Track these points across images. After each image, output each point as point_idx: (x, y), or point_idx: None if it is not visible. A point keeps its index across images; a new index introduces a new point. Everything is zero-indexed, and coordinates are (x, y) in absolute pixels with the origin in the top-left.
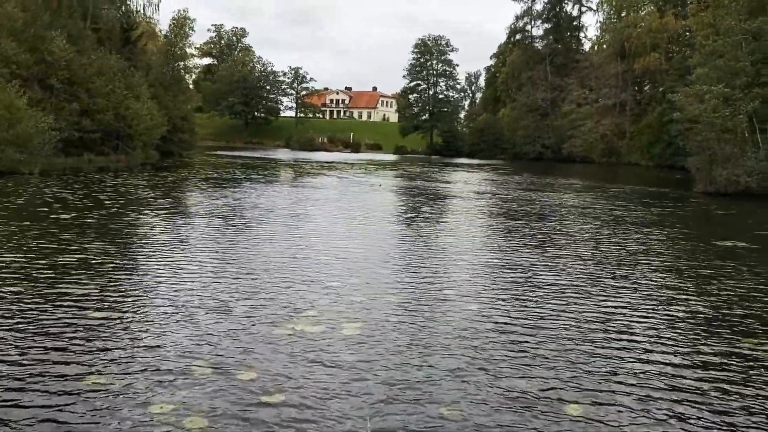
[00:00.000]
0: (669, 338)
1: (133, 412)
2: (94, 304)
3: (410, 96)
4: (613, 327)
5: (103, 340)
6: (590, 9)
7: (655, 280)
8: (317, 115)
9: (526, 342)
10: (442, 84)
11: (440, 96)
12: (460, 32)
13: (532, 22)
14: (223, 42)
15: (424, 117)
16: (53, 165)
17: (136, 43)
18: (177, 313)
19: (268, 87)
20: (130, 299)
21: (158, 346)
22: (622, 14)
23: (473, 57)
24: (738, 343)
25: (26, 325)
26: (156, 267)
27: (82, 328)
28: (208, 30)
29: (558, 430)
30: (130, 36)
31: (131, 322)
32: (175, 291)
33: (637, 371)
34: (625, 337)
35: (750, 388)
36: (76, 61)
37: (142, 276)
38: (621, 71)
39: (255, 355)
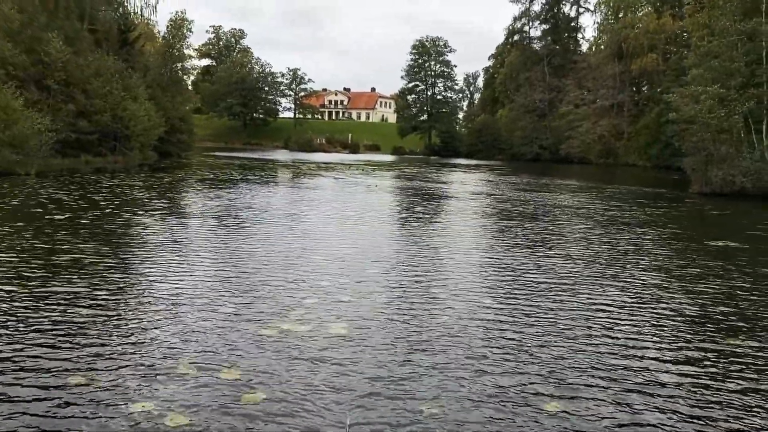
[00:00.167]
0: (652, 336)
1: (114, 409)
2: (84, 302)
3: (408, 97)
4: (598, 325)
5: (90, 339)
6: (588, 10)
7: (642, 279)
8: (316, 116)
9: (510, 339)
10: (440, 85)
11: (438, 97)
12: (460, 33)
13: (530, 23)
14: (221, 43)
15: (422, 118)
16: (50, 166)
17: (133, 44)
18: (165, 311)
19: (266, 88)
20: (119, 298)
21: (144, 345)
22: (620, 15)
23: (474, 58)
24: (720, 341)
25: (16, 323)
26: (147, 266)
27: (70, 327)
28: (207, 31)
29: (536, 425)
30: (128, 37)
31: (119, 320)
32: (165, 290)
33: (618, 368)
34: (608, 334)
35: (728, 385)
36: (73, 63)
37: (133, 275)
38: (618, 72)
39: (240, 354)
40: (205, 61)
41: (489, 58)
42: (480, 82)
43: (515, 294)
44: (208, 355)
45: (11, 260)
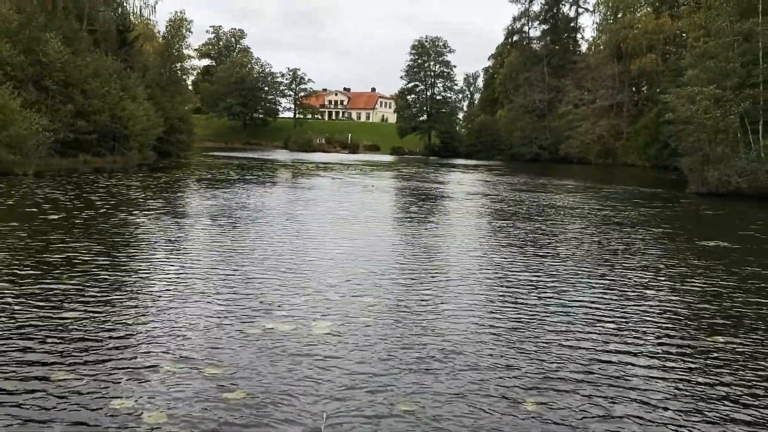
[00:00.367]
0: (633, 333)
1: (94, 405)
2: (73, 300)
3: (408, 97)
4: (580, 323)
5: (76, 335)
6: (587, 10)
7: (629, 277)
8: (316, 116)
9: (492, 337)
10: (439, 85)
11: (438, 97)
12: (461, 33)
13: (530, 24)
14: (221, 43)
15: (422, 118)
16: (49, 166)
17: (132, 44)
18: (153, 309)
19: (266, 88)
20: (108, 296)
21: (129, 342)
22: (619, 15)
23: (474, 59)
24: (702, 339)
25: (5, 321)
26: (138, 265)
27: (57, 323)
28: (207, 31)
29: (511, 419)
30: (127, 37)
31: (106, 317)
32: (155, 288)
33: (596, 363)
34: (590, 332)
35: (707, 382)
36: (71, 63)
37: (124, 274)
38: (617, 72)
39: (223, 352)
40: (205, 61)
41: (489, 59)
42: (480, 83)
43: (502, 293)
44: (191, 353)
45: (4, 259)
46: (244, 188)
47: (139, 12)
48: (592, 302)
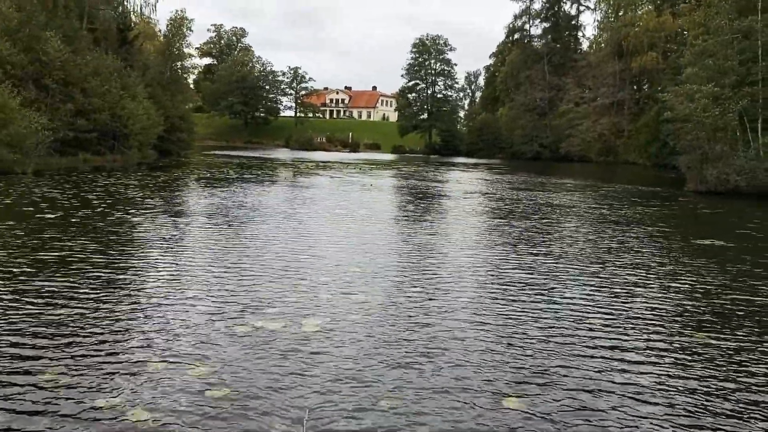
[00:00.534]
0: (621, 330)
1: (79, 403)
2: (65, 298)
3: (409, 95)
4: (568, 320)
5: (66, 333)
6: (588, 8)
7: (621, 276)
8: (317, 114)
9: (479, 334)
10: (440, 83)
11: (439, 95)
12: (461, 33)
13: (531, 22)
14: (222, 42)
15: (422, 116)
16: (48, 165)
17: (133, 43)
18: (144, 307)
19: (267, 87)
20: (101, 294)
21: (118, 340)
22: (620, 13)
23: (475, 58)
24: (688, 336)
25: None
26: (132, 263)
27: (48, 321)
28: (208, 30)
29: (493, 415)
30: (127, 36)
31: (97, 315)
32: (147, 286)
33: (581, 360)
34: (578, 329)
35: (689, 377)
36: (71, 61)
37: (117, 272)
38: (618, 70)
39: (210, 350)
40: (207, 60)
41: (490, 57)
42: (481, 81)
43: (492, 291)
44: (178, 351)
45: None
46: (242, 187)
47: (139, 11)
48: (581, 300)
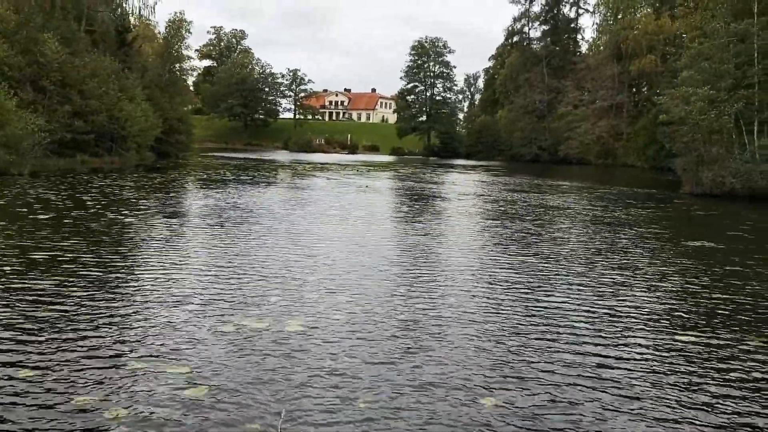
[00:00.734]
0: (604, 331)
1: (57, 402)
2: (53, 297)
3: (408, 97)
4: (553, 321)
5: (51, 331)
6: (587, 11)
7: (609, 276)
8: (316, 116)
9: (462, 333)
10: (439, 86)
11: (437, 98)
12: (460, 33)
13: (530, 24)
14: (222, 44)
15: (421, 118)
16: (45, 166)
17: (131, 44)
18: (129, 307)
19: (266, 89)
20: (89, 293)
21: (101, 338)
22: (619, 16)
23: (474, 58)
24: (670, 336)
25: None
26: (121, 264)
27: (34, 319)
28: (208, 32)
29: (469, 412)
30: (126, 38)
31: (83, 314)
32: (135, 286)
33: (563, 360)
34: (561, 330)
35: (668, 375)
36: (68, 63)
37: (106, 272)
38: (617, 73)
39: (192, 349)
40: (206, 62)
41: (489, 59)
42: (480, 83)
43: (479, 291)
44: (160, 350)
45: None
46: (237, 189)
47: (138, 13)
48: (566, 301)
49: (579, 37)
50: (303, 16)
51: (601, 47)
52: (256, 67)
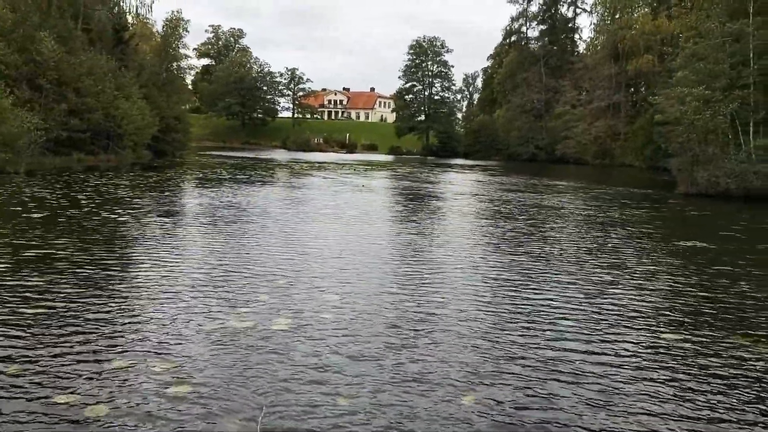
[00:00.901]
0: (588, 329)
1: (38, 400)
2: (43, 294)
3: (406, 97)
4: (539, 318)
5: (37, 328)
6: (585, 11)
7: (598, 276)
8: (315, 115)
9: (446, 331)
10: (437, 85)
11: (436, 97)
12: (460, 32)
13: (528, 24)
14: (220, 43)
15: (420, 118)
16: (41, 164)
17: (128, 43)
18: (117, 303)
19: (264, 88)
20: (77, 290)
21: (85, 336)
22: (616, 16)
23: (474, 57)
24: (655, 335)
25: None
26: (112, 262)
27: (22, 317)
28: (206, 31)
29: (448, 408)
30: (123, 36)
31: (69, 312)
32: (124, 285)
33: (546, 358)
34: (546, 327)
35: (653, 374)
36: (65, 62)
37: (95, 270)
38: (615, 73)
39: (176, 347)
40: (204, 61)
41: (487, 59)
42: (479, 83)
43: (466, 290)
44: (143, 348)
45: None
46: (232, 187)
47: (135, 11)
48: (553, 300)
49: (576, 36)
50: (301, 14)
51: (599, 47)
52: (254, 66)
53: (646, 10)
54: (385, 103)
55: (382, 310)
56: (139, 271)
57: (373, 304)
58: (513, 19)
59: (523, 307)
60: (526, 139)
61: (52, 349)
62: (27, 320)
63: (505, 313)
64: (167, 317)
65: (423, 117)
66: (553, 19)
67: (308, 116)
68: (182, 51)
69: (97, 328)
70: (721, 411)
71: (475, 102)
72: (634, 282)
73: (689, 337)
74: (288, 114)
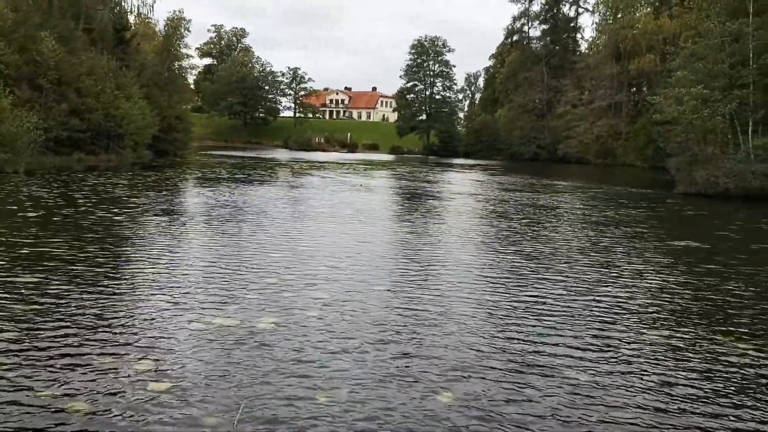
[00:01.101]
0: (573, 325)
1: (20, 396)
2: (33, 293)
3: (407, 96)
4: (528, 315)
5: (26, 325)
6: (587, 10)
7: (588, 274)
8: (317, 115)
9: (432, 328)
10: (439, 84)
11: (437, 97)
12: (464, 32)
13: (530, 23)
14: (222, 42)
15: (421, 117)
16: (41, 164)
17: (129, 42)
18: (106, 301)
19: (266, 87)
20: (68, 288)
21: (71, 334)
22: (618, 16)
23: (479, 57)
24: (640, 333)
25: None
26: (103, 261)
27: (12, 313)
28: (208, 30)
29: (424, 404)
30: (124, 36)
31: (57, 310)
32: (116, 283)
33: (525, 353)
34: (532, 325)
35: (632, 371)
36: (65, 61)
37: (87, 268)
38: (616, 72)
39: (160, 344)
40: (207, 60)
41: (489, 58)
42: (481, 82)
43: (455, 289)
44: (127, 346)
45: None
46: (230, 187)
47: (137, 11)
48: (543, 297)
49: (578, 36)
50: (304, 14)
51: (601, 46)
52: (257, 66)
53: (648, 9)
54: (386, 102)
55: (369, 307)
56: (131, 269)
57: (361, 302)
58: (515, 19)
59: (509, 304)
60: (528, 138)
61: (36, 345)
62: (17, 316)
63: (491, 310)
64: (155, 314)
65: (424, 116)
66: (555, 19)
67: (310, 116)
68: (184, 50)
69: (85, 325)
70: (696, 404)
71: (477, 101)
72: (624, 281)
73: (672, 333)
74: (290, 113)
